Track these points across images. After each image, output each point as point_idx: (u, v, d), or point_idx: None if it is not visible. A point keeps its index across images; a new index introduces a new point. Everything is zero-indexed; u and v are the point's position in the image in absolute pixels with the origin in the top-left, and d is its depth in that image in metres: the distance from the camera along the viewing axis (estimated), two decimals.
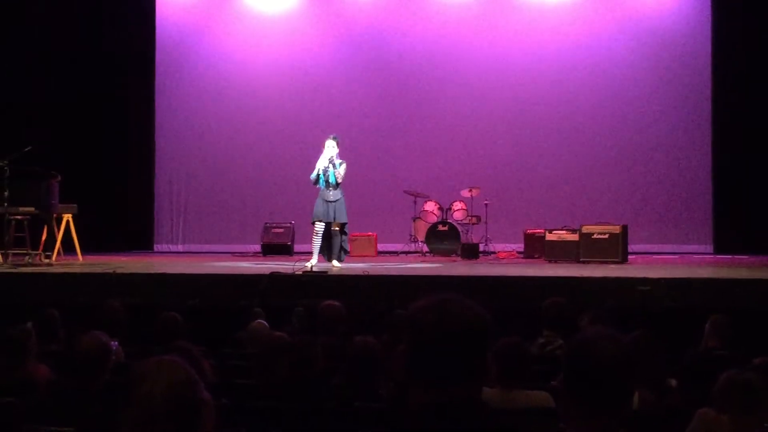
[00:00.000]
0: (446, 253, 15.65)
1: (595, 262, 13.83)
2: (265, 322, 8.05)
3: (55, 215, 13.65)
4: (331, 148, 12.74)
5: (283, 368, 5.69)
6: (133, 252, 16.75)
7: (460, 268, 13.38)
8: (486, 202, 16.04)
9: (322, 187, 12.76)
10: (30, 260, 13.13)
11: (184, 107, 17.94)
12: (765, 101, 15.97)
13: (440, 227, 15.86)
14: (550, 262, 14.40)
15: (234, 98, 17.80)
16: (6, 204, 12.81)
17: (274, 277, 10.95)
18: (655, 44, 16.86)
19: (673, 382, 5.53)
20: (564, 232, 14.70)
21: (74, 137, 16.87)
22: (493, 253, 15.95)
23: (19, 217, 13.30)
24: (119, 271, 11.83)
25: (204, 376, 4.94)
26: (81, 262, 13.78)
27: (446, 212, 16.10)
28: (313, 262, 12.52)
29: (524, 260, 15.18)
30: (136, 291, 10.44)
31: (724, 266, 13.71)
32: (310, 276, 11.35)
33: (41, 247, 13.66)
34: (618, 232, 14.25)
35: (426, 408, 2.33)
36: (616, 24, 17.08)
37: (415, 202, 16.33)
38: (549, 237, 14.72)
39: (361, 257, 15.33)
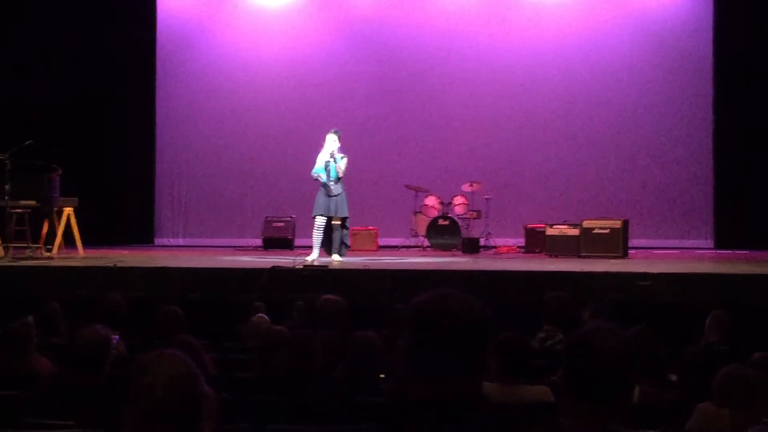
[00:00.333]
0: (447, 248, 15.65)
1: (595, 256, 13.82)
2: (265, 316, 8.05)
3: (56, 209, 13.65)
4: (332, 142, 12.73)
5: (283, 362, 5.70)
6: (133, 246, 16.73)
7: (460, 262, 13.38)
8: (487, 196, 16.04)
9: (323, 181, 12.75)
10: (31, 254, 13.14)
11: (185, 101, 17.92)
12: (766, 97, 15.96)
13: (441, 222, 15.86)
14: (550, 256, 14.39)
15: (235, 92, 17.78)
16: (7, 197, 12.81)
17: (275, 271, 10.96)
18: (657, 40, 16.84)
19: (674, 377, 5.53)
20: (565, 226, 14.70)
21: (75, 131, 16.85)
22: (494, 247, 15.94)
23: (20, 210, 13.30)
24: (120, 264, 11.84)
25: (205, 370, 4.95)
26: (82, 256, 13.78)
27: (447, 207, 16.09)
28: (314, 257, 12.53)
29: (525, 255, 15.18)
30: (137, 284, 10.44)
31: (724, 261, 13.71)
32: (311, 270, 11.36)
33: (42, 240, 13.67)
34: (619, 226, 14.25)
35: (426, 402, 2.34)
36: (618, 20, 17.06)
37: (415, 197, 16.33)
38: (550, 231, 14.73)
39: (362, 252, 15.33)
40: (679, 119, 16.81)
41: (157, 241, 17.86)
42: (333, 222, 12.84)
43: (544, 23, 17.20)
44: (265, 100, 17.66)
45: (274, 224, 16.48)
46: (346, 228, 13.12)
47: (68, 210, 13.99)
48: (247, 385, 5.66)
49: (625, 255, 14.11)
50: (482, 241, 15.84)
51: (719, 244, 16.31)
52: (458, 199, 16.06)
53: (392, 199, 16.90)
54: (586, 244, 14.21)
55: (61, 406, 4.60)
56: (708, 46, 16.67)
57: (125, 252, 15.11)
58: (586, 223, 14.40)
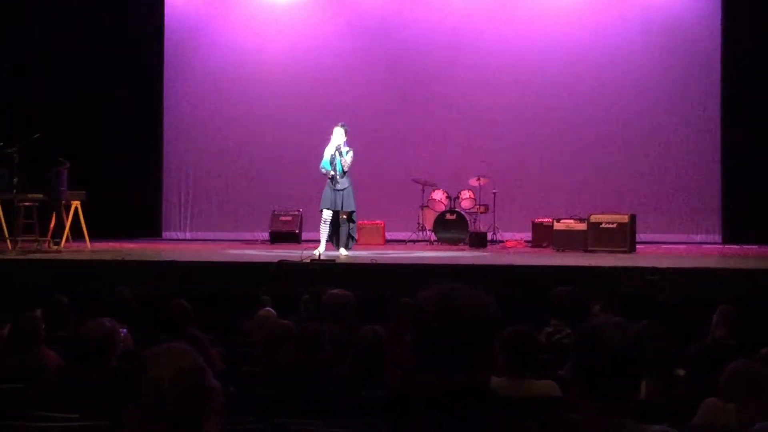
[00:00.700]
0: (454, 242, 15.65)
1: (603, 251, 13.82)
2: (272, 310, 8.06)
3: (63, 202, 13.67)
4: (339, 135, 12.72)
5: (290, 356, 5.70)
6: (141, 239, 16.76)
7: (467, 257, 13.37)
8: (494, 191, 16.03)
9: (330, 176, 12.74)
10: (39, 247, 13.16)
11: (193, 95, 17.94)
12: None
13: (448, 216, 15.86)
14: (558, 251, 14.39)
15: (242, 86, 17.79)
16: (15, 191, 12.84)
17: (282, 265, 10.96)
18: (665, 34, 16.81)
19: (681, 372, 5.52)
20: (572, 221, 14.70)
21: (83, 124, 16.87)
22: (501, 242, 15.94)
23: (27, 203, 13.32)
24: (128, 258, 11.85)
25: (212, 364, 4.95)
26: (89, 249, 13.80)
27: (454, 201, 16.09)
28: (321, 250, 12.53)
29: (532, 249, 15.17)
30: (144, 278, 10.45)
31: (732, 256, 13.69)
32: (318, 264, 11.36)
33: (50, 233, 13.68)
34: (626, 221, 14.24)
35: (433, 396, 2.34)
36: (626, 14, 17.04)
37: (423, 191, 16.32)
38: (557, 226, 14.72)
39: (369, 245, 15.33)
40: (687, 114, 16.78)
41: (165, 234, 17.89)
42: (340, 216, 12.84)
43: (551, 17, 17.17)
44: (272, 94, 17.66)
45: (281, 218, 16.49)
46: (353, 222, 13.12)
47: (76, 203, 14.02)
48: (253, 379, 5.66)
49: (632, 250, 14.10)
50: (489, 236, 15.83)
51: (727, 239, 16.29)
52: (465, 194, 16.06)
53: (399, 193, 16.90)
54: (593, 238, 14.20)
55: (67, 399, 4.60)
56: (716, 41, 16.64)
57: (133, 245, 15.14)
58: (593, 218, 14.39)
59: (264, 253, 13.45)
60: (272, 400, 5.05)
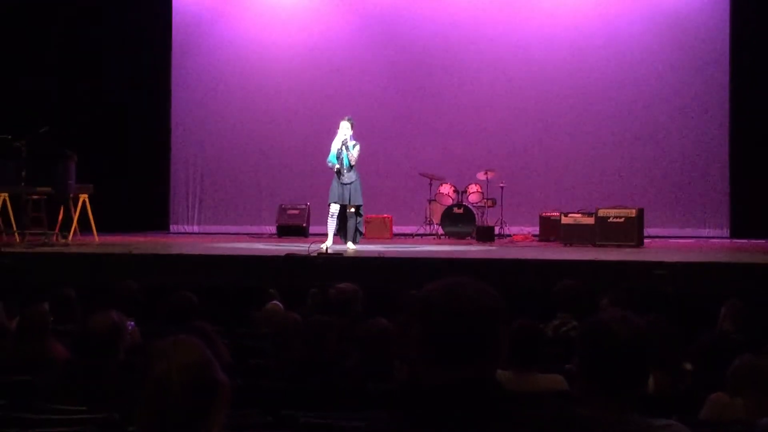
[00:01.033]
0: (461, 236, 15.65)
1: (610, 245, 13.80)
2: (279, 303, 8.06)
3: (71, 195, 13.68)
4: (345, 129, 12.71)
5: (297, 349, 5.71)
6: (148, 232, 16.79)
7: (475, 251, 13.37)
8: (501, 184, 16.02)
9: (336, 170, 12.74)
10: (46, 240, 13.18)
11: (200, 89, 17.94)
12: None
13: (455, 210, 15.86)
14: (565, 245, 14.38)
15: (250, 80, 17.79)
16: (23, 184, 12.86)
17: (290, 258, 10.97)
18: (673, 27, 16.77)
19: (688, 366, 5.52)
20: (580, 215, 14.68)
21: (90, 118, 16.89)
22: (509, 236, 15.93)
23: (35, 197, 13.35)
24: (135, 251, 11.87)
25: (220, 357, 4.95)
26: (97, 243, 13.83)
27: (462, 195, 16.08)
28: (329, 244, 12.53)
29: (539, 243, 15.17)
30: (152, 271, 10.47)
31: (740, 251, 13.67)
32: (325, 258, 11.37)
33: (58, 227, 13.71)
34: (634, 215, 14.22)
35: (439, 389, 2.34)
36: (633, 8, 17.00)
37: (430, 185, 16.32)
38: (564, 220, 14.71)
39: (377, 239, 15.34)
40: (695, 108, 16.75)
41: (172, 228, 17.91)
42: (347, 210, 12.84)
43: (560, 13, 17.13)
44: (279, 88, 17.65)
45: (289, 212, 16.49)
46: (361, 215, 13.12)
47: (84, 197, 14.03)
48: (260, 371, 5.67)
49: (640, 244, 14.08)
50: (497, 230, 15.83)
51: (735, 234, 16.27)
52: (473, 188, 16.05)
53: (407, 187, 16.91)
54: (601, 232, 14.19)
55: (75, 392, 4.61)
56: (724, 36, 16.59)
57: (140, 239, 15.17)
58: (601, 212, 14.37)
59: (271, 246, 13.46)
60: (279, 392, 5.05)
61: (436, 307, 2.40)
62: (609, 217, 14.27)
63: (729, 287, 8.92)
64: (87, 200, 14.07)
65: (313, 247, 11.87)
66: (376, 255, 11.51)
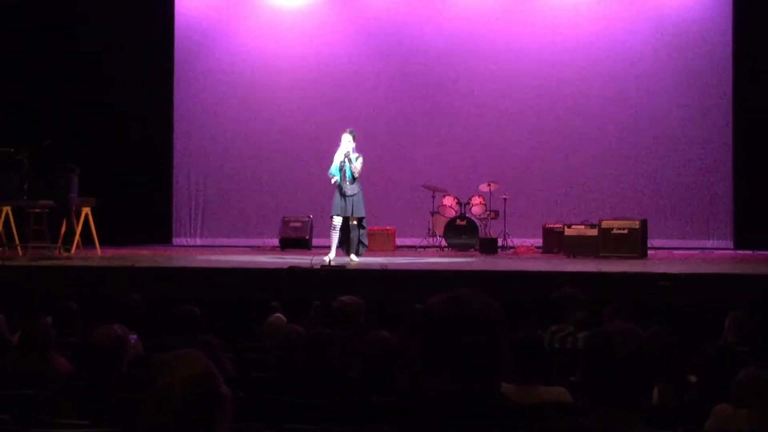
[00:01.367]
0: (464, 248, 15.64)
1: (614, 257, 13.78)
2: (282, 316, 8.06)
3: (74, 208, 13.69)
4: (347, 142, 12.71)
5: (300, 362, 5.70)
6: (151, 245, 16.77)
7: (478, 263, 13.36)
8: (504, 196, 16.00)
9: (340, 182, 12.73)
10: (49, 253, 13.19)
11: (202, 101, 17.95)
12: None
13: (458, 222, 15.85)
14: (569, 257, 14.36)
15: (252, 92, 17.80)
16: (25, 197, 12.87)
17: (293, 271, 10.97)
18: (675, 37, 16.77)
19: (693, 378, 5.51)
20: (583, 226, 14.68)
21: (93, 131, 16.90)
22: (512, 247, 15.90)
23: (38, 210, 13.35)
24: (138, 264, 11.87)
25: (224, 370, 4.95)
26: (100, 256, 13.82)
27: (464, 207, 16.08)
28: (331, 257, 12.53)
29: (543, 255, 15.15)
30: (154, 284, 10.46)
31: (744, 262, 13.65)
32: (328, 270, 11.36)
33: (60, 240, 13.71)
34: (637, 227, 14.21)
35: (443, 400, 2.33)
36: (635, 18, 17.00)
37: (433, 197, 16.31)
38: (568, 232, 14.70)
39: (380, 252, 15.32)
40: (698, 118, 16.74)
41: (175, 241, 17.89)
42: (350, 222, 12.83)
43: (560, 22, 17.14)
44: (282, 100, 17.66)
45: (291, 224, 16.48)
46: (363, 228, 13.11)
47: (86, 210, 14.04)
48: (263, 384, 5.66)
49: (643, 255, 14.07)
50: (500, 242, 15.81)
51: (739, 245, 16.22)
52: (476, 199, 16.04)
53: (410, 199, 16.90)
54: (604, 244, 14.17)
55: (78, 406, 4.61)
56: (727, 45, 16.59)
57: (143, 252, 15.16)
58: (604, 224, 14.36)
59: (274, 259, 13.45)
60: (283, 405, 5.04)
61: (440, 320, 2.39)
62: (612, 229, 14.26)
63: (733, 299, 8.90)
64: (89, 213, 14.08)
65: (316, 259, 11.86)
66: (379, 267, 11.49)
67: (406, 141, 17.35)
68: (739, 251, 15.81)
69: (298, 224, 16.44)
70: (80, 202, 13.85)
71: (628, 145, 16.91)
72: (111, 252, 14.35)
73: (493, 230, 16.07)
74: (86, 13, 17.14)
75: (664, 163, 16.81)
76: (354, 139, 12.72)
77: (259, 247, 16.57)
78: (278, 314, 8.15)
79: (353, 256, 12.85)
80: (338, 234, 12.82)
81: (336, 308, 7.34)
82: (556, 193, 16.92)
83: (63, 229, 13.73)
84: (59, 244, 13.62)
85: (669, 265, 12.06)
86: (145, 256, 14.11)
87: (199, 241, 17.85)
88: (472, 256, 14.96)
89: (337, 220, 12.79)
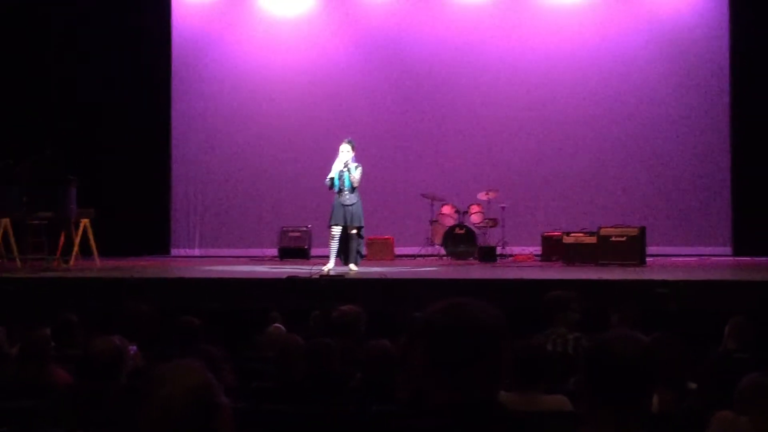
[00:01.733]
0: (463, 257, 15.64)
1: (613, 264, 13.78)
2: (281, 326, 8.05)
3: (72, 220, 13.68)
4: (346, 152, 12.69)
5: (300, 371, 5.69)
6: (150, 256, 16.77)
7: (477, 271, 13.36)
8: (503, 205, 16.01)
9: (337, 191, 12.72)
10: (48, 265, 13.18)
11: (200, 111, 17.96)
12: None
13: (457, 230, 15.85)
14: (567, 264, 14.36)
15: (250, 102, 17.81)
16: (24, 209, 12.86)
17: (292, 281, 10.96)
18: (673, 43, 16.79)
19: (693, 385, 5.50)
20: (582, 234, 14.68)
21: (91, 142, 16.91)
22: (511, 256, 15.90)
23: (36, 222, 13.34)
24: (137, 275, 11.86)
25: (225, 381, 4.94)
26: (99, 267, 13.82)
27: (463, 215, 16.08)
28: (330, 266, 12.52)
29: (542, 263, 15.14)
30: (153, 295, 10.45)
31: (743, 268, 13.64)
32: (327, 280, 11.36)
33: (59, 251, 13.70)
34: (636, 234, 14.22)
35: (443, 409, 2.33)
36: (633, 24, 17.02)
37: (432, 206, 16.31)
38: (566, 239, 14.70)
39: (378, 261, 15.32)
40: (696, 125, 16.74)
41: (173, 251, 17.88)
42: (349, 231, 12.82)
43: (559, 30, 17.16)
44: (280, 109, 17.67)
45: (290, 234, 16.48)
46: (362, 237, 13.10)
47: (85, 221, 14.03)
48: (263, 394, 5.66)
49: (642, 262, 14.07)
50: (499, 250, 15.80)
51: (738, 251, 16.21)
52: (474, 208, 16.05)
53: (408, 208, 16.90)
54: (603, 251, 14.18)
55: (77, 417, 4.60)
56: (724, 51, 16.61)
57: (141, 263, 15.15)
58: (603, 231, 14.37)
59: (273, 269, 13.44)
60: (283, 415, 5.04)
61: (439, 328, 2.39)
62: (611, 236, 14.27)
63: (732, 305, 8.89)
64: (88, 225, 14.07)
65: (315, 269, 11.85)
66: (378, 276, 11.49)
67: (404, 150, 17.35)
68: (738, 258, 15.80)
69: (296, 234, 16.44)
70: (79, 213, 13.84)
71: (627, 152, 16.91)
72: (110, 263, 14.35)
73: (492, 239, 16.07)
74: (82, 24, 17.16)
75: (662, 170, 16.81)
76: (353, 149, 12.70)
77: (257, 257, 16.57)
78: (277, 324, 8.14)
79: (352, 266, 12.84)
80: (337, 244, 12.81)
81: (335, 318, 7.34)
82: (554, 201, 16.92)
83: (62, 241, 13.72)
84: (58, 256, 13.61)
85: (668, 272, 12.06)
86: (144, 267, 14.10)
87: (197, 252, 17.84)
88: (470, 264, 14.96)
89: (336, 230, 12.77)
